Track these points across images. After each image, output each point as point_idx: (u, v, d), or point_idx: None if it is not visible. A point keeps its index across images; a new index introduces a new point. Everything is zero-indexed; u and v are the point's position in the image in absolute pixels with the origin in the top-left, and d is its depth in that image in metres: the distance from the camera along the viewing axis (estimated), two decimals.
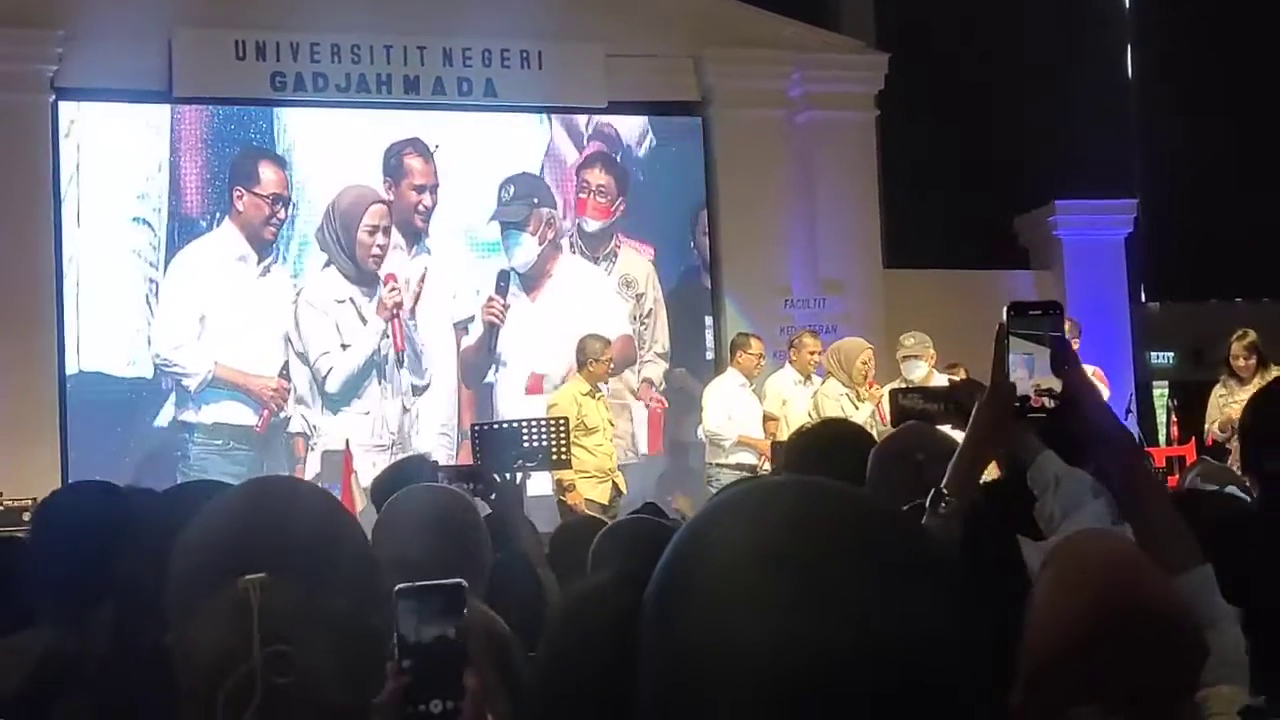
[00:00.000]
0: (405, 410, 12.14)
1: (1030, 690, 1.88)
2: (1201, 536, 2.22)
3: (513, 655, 3.14)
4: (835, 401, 10.23)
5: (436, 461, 7.14)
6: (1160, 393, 14.15)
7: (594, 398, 10.31)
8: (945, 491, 2.45)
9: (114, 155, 11.77)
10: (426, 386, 12.25)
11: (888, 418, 6.22)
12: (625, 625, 1.19)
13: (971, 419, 2.47)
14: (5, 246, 11.33)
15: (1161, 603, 1.91)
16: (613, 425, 10.68)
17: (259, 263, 11.96)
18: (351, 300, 12.12)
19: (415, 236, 12.34)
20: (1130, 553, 2.10)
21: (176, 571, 1.73)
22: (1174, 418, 12.22)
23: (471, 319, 12.44)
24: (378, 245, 12.17)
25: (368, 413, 12.04)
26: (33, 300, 11.39)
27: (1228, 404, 9.75)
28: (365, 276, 12.17)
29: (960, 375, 9.89)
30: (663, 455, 12.73)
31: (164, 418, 11.72)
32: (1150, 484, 2.44)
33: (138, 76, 11.84)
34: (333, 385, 12.01)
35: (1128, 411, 12.40)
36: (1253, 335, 9.96)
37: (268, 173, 12.06)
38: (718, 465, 10.48)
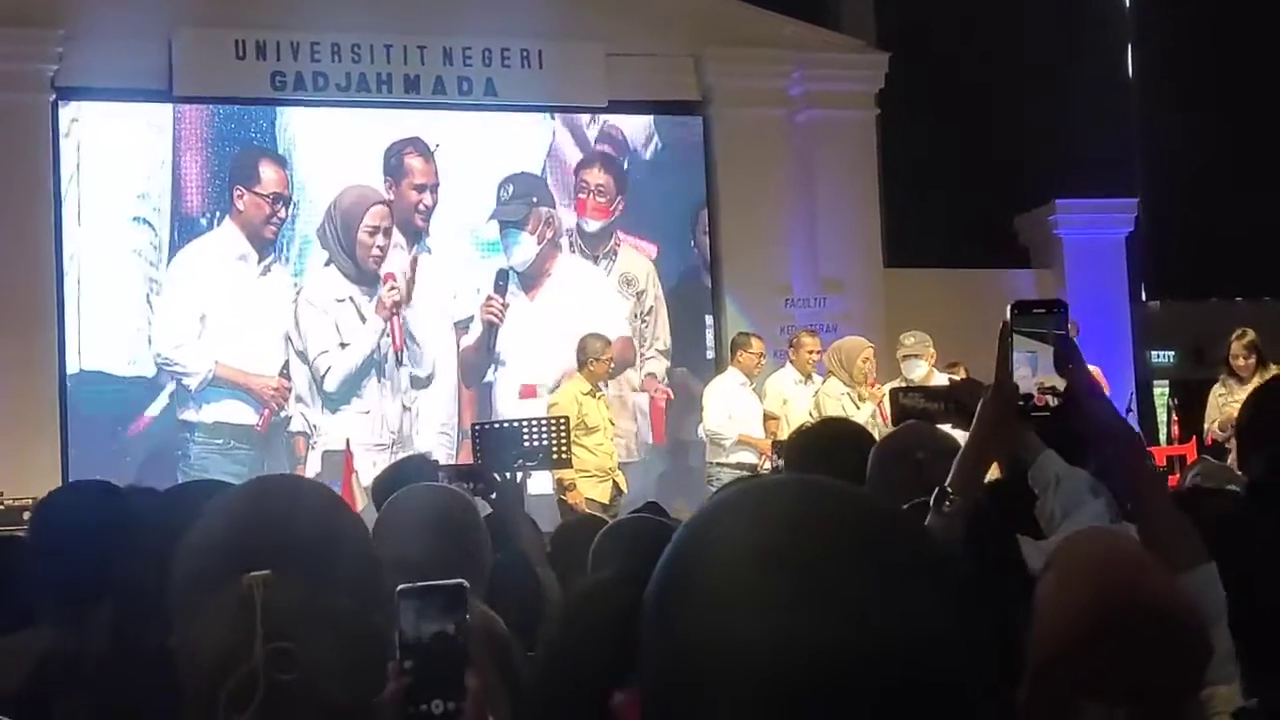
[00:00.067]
0: (406, 409, 12.14)
1: (1036, 687, 1.88)
2: (1202, 535, 2.22)
3: (512, 655, 3.14)
4: (837, 401, 10.23)
5: (437, 461, 7.14)
6: (1161, 392, 14.15)
7: (594, 397, 10.31)
8: (949, 490, 2.44)
9: (114, 155, 11.77)
10: (430, 377, 12.24)
11: (889, 418, 6.23)
12: (625, 624, 1.19)
13: (976, 417, 2.47)
14: (6, 246, 11.33)
15: (1166, 600, 1.91)
16: (613, 424, 10.68)
17: (259, 262, 11.97)
18: (351, 299, 12.12)
19: (415, 236, 12.34)
20: (1135, 551, 2.10)
21: (180, 570, 1.74)
22: (1174, 416, 12.22)
23: (471, 318, 12.44)
24: (378, 246, 12.18)
25: (368, 412, 12.04)
26: (33, 299, 11.39)
27: (1227, 403, 9.74)
28: (365, 276, 12.17)
29: (960, 374, 9.89)
30: (666, 451, 12.73)
31: (165, 417, 11.71)
32: (1154, 482, 2.44)
33: (138, 76, 11.84)
34: (331, 384, 12.01)
35: (1128, 410, 12.41)
36: (1252, 334, 9.96)
37: (268, 172, 12.06)
38: (718, 464, 10.48)
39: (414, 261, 12.29)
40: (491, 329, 12.45)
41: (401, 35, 12.20)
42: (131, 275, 11.74)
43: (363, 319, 12.12)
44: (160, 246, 11.84)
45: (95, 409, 11.59)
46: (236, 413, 11.83)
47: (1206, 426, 10.15)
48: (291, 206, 12.10)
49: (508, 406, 12.11)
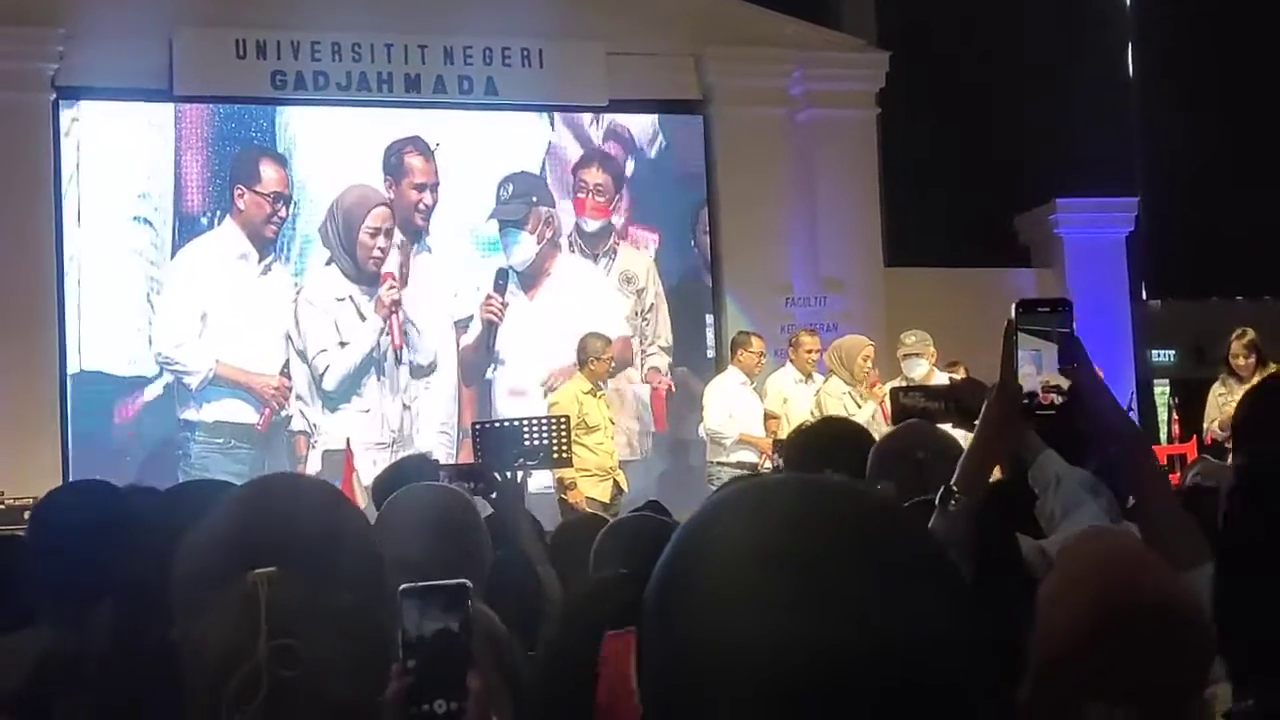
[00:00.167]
0: (406, 408, 12.14)
1: (1039, 686, 1.88)
2: (1204, 534, 2.22)
3: (510, 655, 3.13)
4: (838, 400, 10.23)
5: (437, 460, 7.14)
6: (1161, 391, 14.14)
7: (595, 396, 10.32)
8: (955, 489, 2.44)
9: (115, 154, 11.77)
10: (431, 365, 12.23)
11: (890, 417, 6.22)
12: (626, 623, 1.19)
13: (981, 417, 2.47)
14: (6, 245, 11.33)
15: (1170, 599, 1.91)
16: (614, 423, 10.68)
17: (260, 261, 11.97)
18: (351, 298, 12.12)
19: (415, 235, 12.34)
20: (1138, 550, 2.10)
21: (182, 568, 1.74)
22: (1175, 415, 12.22)
23: (470, 317, 12.44)
24: (379, 247, 12.18)
25: (368, 411, 12.04)
26: (34, 299, 11.40)
27: (1227, 402, 9.74)
28: (365, 275, 12.17)
29: (961, 373, 9.90)
30: (666, 450, 12.72)
31: (165, 416, 11.71)
32: (1159, 480, 2.44)
33: (138, 75, 11.84)
34: (330, 383, 12.01)
35: (1129, 409, 12.40)
36: (1252, 334, 9.96)
37: (269, 171, 12.06)
38: (718, 464, 10.48)
39: (414, 261, 12.29)
40: (491, 328, 12.45)
41: (402, 34, 12.20)
42: (132, 275, 11.74)
43: (362, 318, 12.13)
44: (161, 246, 11.84)
45: (96, 409, 11.59)
46: (237, 412, 11.84)
47: (1206, 426, 10.16)
48: (292, 206, 12.11)
49: (507, 405, 12.11)
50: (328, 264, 12.13)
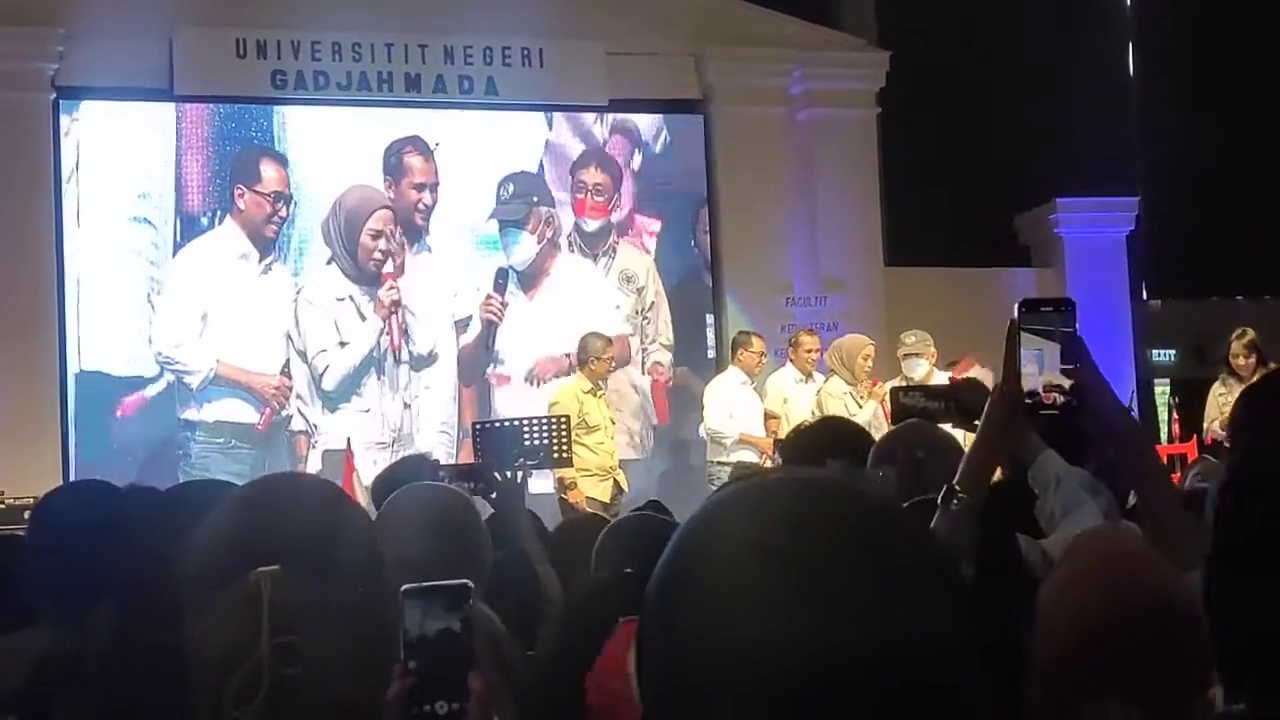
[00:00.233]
0: (406, 407, 12.14)
1: (1044, 684, 1.88)
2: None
3: (509, 656, 3.13)
4: (839, 400, 10.23)
5: (437, 460, 7.14)
6: (1161, 390, 14.14)
7: (595, 395, 10.32)
8: (958, 488, 2.44)
9: (115, 154, 11.77)
10: (431, 358, 12.23)
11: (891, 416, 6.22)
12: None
13: (984, 416, 2.47)
14: (7, 246, 11.34)
15: (1174, 599, 1.91)
16: (614, 423, 10.68)
17: (260, 261, 11.97)
18: (351, 298, 12.13)
19: (416, 234, 12.34)
20: (1142, 549, 2.10)
21: (186, 569, 1.74)
22: (1175, 415, 12.22)
23: (470, 317, 12.45)
24: (380, 250, 12.17)
25: (368, 411, 12.04)
26: (34, 299, 11.40)
27: (1226, 402, 9.73)
28: (365, 275, 12.18)
29: (964, 366, 9.90)
30: (667, 450, 12.72)
31: (165, 416, 11.71)
32: (1162, 480, 2.44)
33: (139, 75, 11.84)
34: (329, 383, 12.01)
35: (1129, 409, 12.39)
36: (1252, 334, 9.96)
37: (269, 171, 12.06)
38: (719, 464, 10.48)
39: (414, 260, 12.29)
40: (490, 327, 12.46)
41: (402, 34, 12.20)
42: (132, 275, 11.74)
43: (362, 318, 12.13)
44: (161, 246, 11.84)
45: (96, 409, 11.59)
46: (237, 412, 11.84)
47: (1206, 425, 10.16)
48: (292, 205, 12.11)
49: (506, 404, 12.13)
50: (328, 263, 12.13)
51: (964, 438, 3.65)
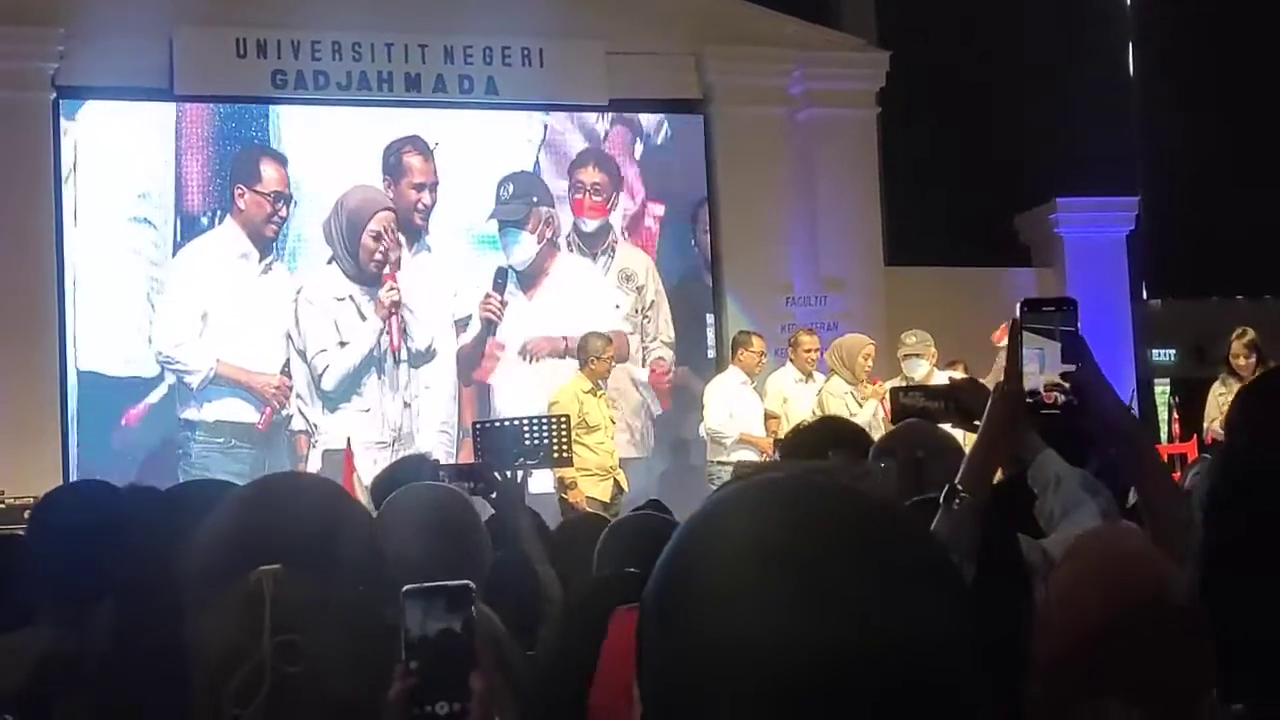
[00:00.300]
0: (406, 407, 12.15)
1: (1047, 684, 1.88)
2: None
3: (509, 656, 3.13)
4: (840, 399, 10.23)
5: (437, 460, 7.13)
6: (1162, 390, 14.14)
7: (595, 395, 10.32)
8: (959, 487, 2.44)
9: (116, 153, 11.78)
10: (430, 359, 12.24)
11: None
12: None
13: (985, 415, 2.47)
14: (7, 245, 11.34)
15: (1176, 599, 1.90)
16: (614, 423, 10.69)
17: (260, 260, 11.98)
18: (351, 298, 12.13)
19: (415, 234, 12.34)
20: (1144, 549, 2.10)
21: (186, 568, 1.74)
22: (1175, 415, 12.22)
23: (470, 316, 12.45)
24: (380, 251, 12.17)
25: (368, 410, 12.05)
26: (35, 299, 11.40)
27: (1226, 402, 9.71)
28: (365, 275, 12.18)
29: (961, 372, 9.89)
30: (667, 450, 12.72)
31: (166, 416, 11.71)
32: (1163, 479, 2.44)
33: (139, 74, 11.85)
34: (328, 383, 12.02)
35: (1129, 408, 12.38)
36: (1252, 334, 9.95)
37: (269, 170, 12.07)
38: (719, 463, 10.47)
39: (414, 260, 12.29)
40: (490, 327, 12.46)
41: (402, 34, 12.20)
42: (133, 274, 11.74)
43: (363, 318, 12.13)
44: (162, 245, 11.84)
45: (96, 408, 11.59)
46: (237, 411, 11.84)
47: (1206, 425, 10.15)
48: (292, 205, 12.11)
49: (505, 404, 12.13)
50: (329, 263, 12.13)
51: (964, 438, 3.65)
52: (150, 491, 2.97)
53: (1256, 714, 1.44)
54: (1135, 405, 13.06)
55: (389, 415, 12.09)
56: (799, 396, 10.68)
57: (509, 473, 4.78)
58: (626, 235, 12.93)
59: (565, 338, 12.20)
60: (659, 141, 13.11)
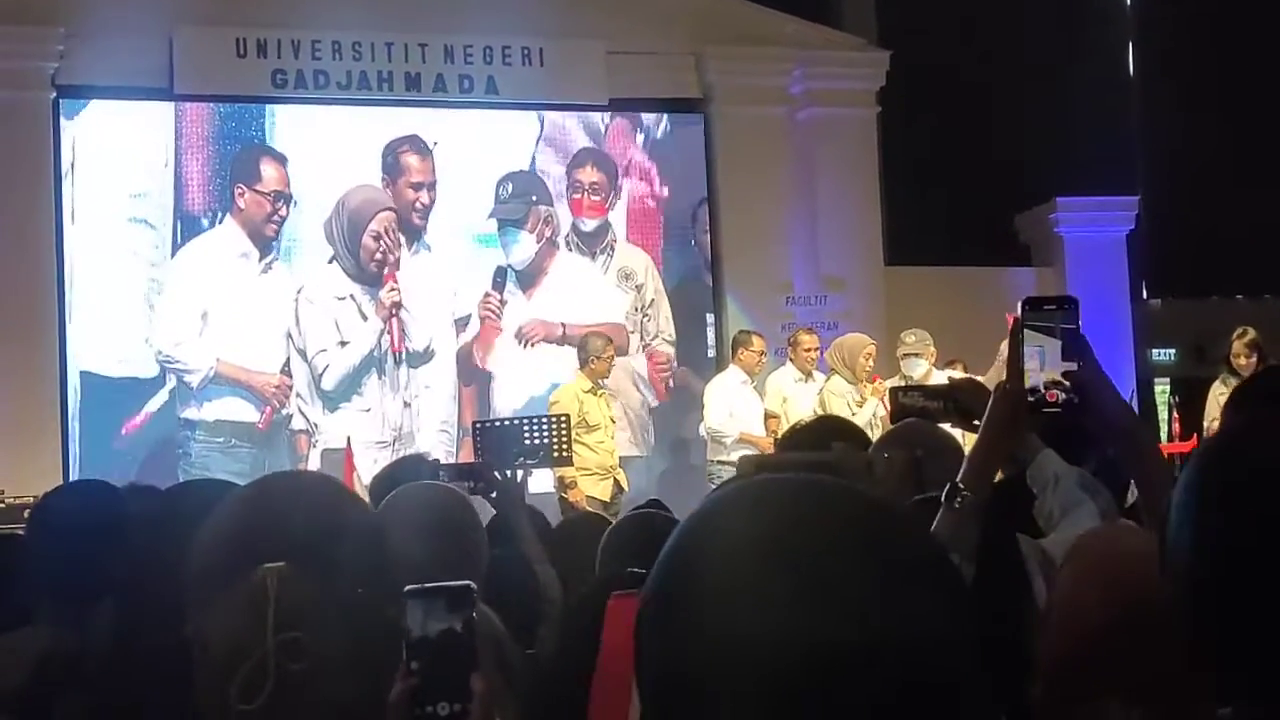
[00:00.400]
0: (406, 406, 12.15)
1: (1050, 684, 1.88)
2: None
3: (509, 656, 3.13)
4: (842, 399, 10.22)
5: (437, 460, 7.14)
6: (1162, 389, 14.14)
7: (595, 395, 10.32)
8: (961, 485, 2.44)
9: (116, 153, 11.78)
10: (429, 358, 12.24)
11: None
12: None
13: (987, 413, 2.47)
14: (7, 245, 11.34)
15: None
16: (614, 422, 10.69)
17: (260, 260, 11.98)
18: (352, 297, 12.13)
19: (415, 234, 12.34)
20: (1145, 549, 2.10)
21: (190, 568, 1.74)
22: (1175, 414, 12.22)
23: (470, 316, 12.45)
24: (381, 251, 12.17)
25: (369, 410, 12.05)
26: (35, 299, 11.40)
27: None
28: (367, 275, 12.18)
29: (960, 371, 9.89)
30: (667, 449, 12.72)
31: (165, 415, 11.71)
32: (1164, 477, 2.43)
33: (139, 74, 11.85)
34: (329, 383, 12.01)
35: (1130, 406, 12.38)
36: (1253, 333, 9.95)
37: (269, 170, 12.07)
38: (719, 463, 10.47)
39: (413, 260, 12.29)
40: (489, 327, 12.47)
41: (402, 33, 12.20)
42: (133, 274, 11.74)
43: (364, 318, 12.13)
44: (161, 245, 11.85)
45: (96, 408, 11.59)
46: (238, 410, 11.84)
47: (1207, 424, 10.14)
48: (292, 205, 12.11)
49: (505, 403, 12.14)
50: (330, 262, 12.13)
51: (963, 437, 3.65)
52: (150, 491, 2.97)
53: (1245, 715, 1.44)
54: (1135, 405, 13.06)
55: (389, 415, 12.09)
56: (799, 396, 10.68)
57: (509, 472, 4.78)
58: (626, 235, 12.92)
59: (563, 324, 12.25)
60: (659, 141, 13.11)
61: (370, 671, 1.61)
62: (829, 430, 4.14)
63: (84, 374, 11.60)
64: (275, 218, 12.03)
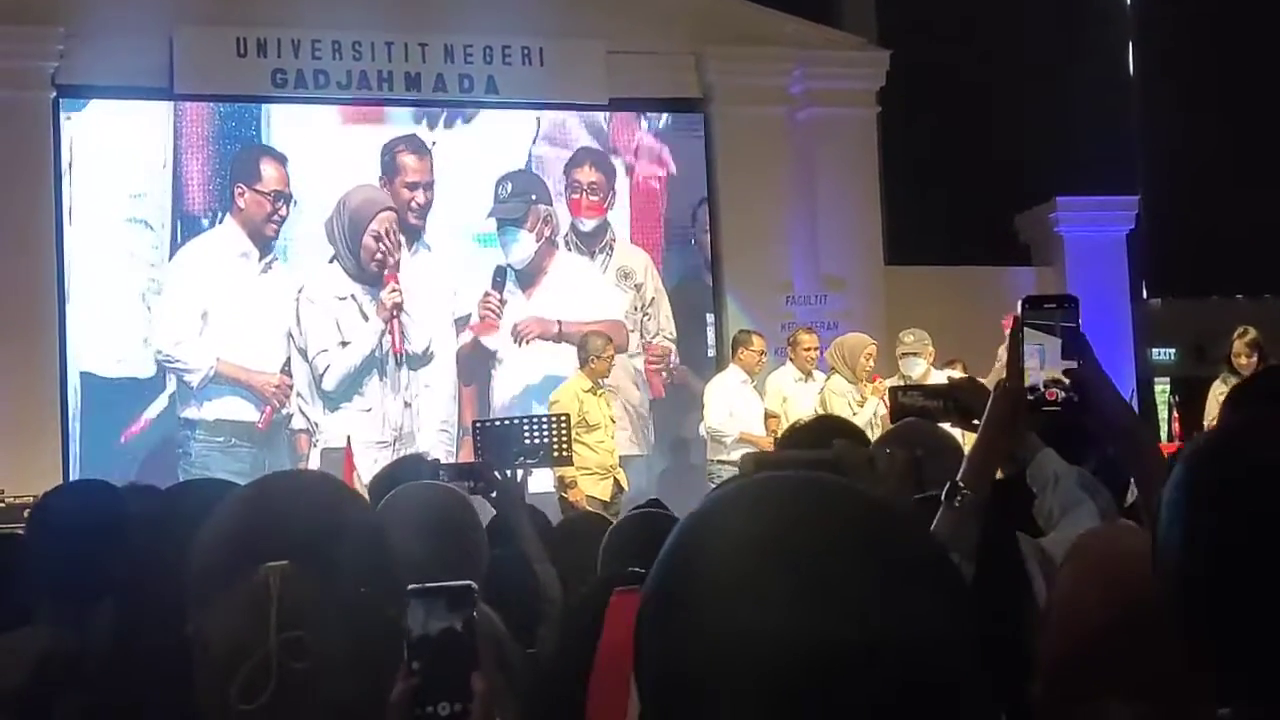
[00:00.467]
0: (407, 406, 12.15)
1: (1051, 683, 1.88)
2: None
3: (509, 656, 3.13)
4: (842, 398, 10.22)
5: (437, 460, 7.14)
6: (1162, 389, 14.14)
7: (595, 394, 10.32)
8: (961, 484, 2.44)
9: (116, 152, 11.78)
10: (429, 359, 12.24)
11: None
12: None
13: (987, 412, 2.47)
14: (7, 245, 11.33)
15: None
16: (614, 422, 10.69)
17: (260, 259, 11.98)
18: (353, 297, 12.13)
19: (412, 233, 12.34)
20: (1145, 548, 2.09)
21: (191, 567, 1.74)
22: (1175, 414, 12.22)
23: (470, 315, 12.45)
24: (381, 251, 12.17)
25: (369, 410, 12.05)
26: (35, 298, 11.40)
27: None
28: (367, 275, 12.18)
29: (960, 371, 9.89)
30: (667, 449, 12.72)
31: (165, 415, 11.71)
32: (1164, 476, 2.43)
33: (139, 73, 11.85)
34: (329, 383, 12.01)
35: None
36: (1254, 333, 9.95)
37: (269, 170, 12.07)
38: (719, 462, 10.47)
39: (413, 260, 12.28)
40: (489, 326, 12.47)
41: (402, 33, 12.20)
42: (133, 273, 11.74)
43: (365, 318, 12.13)
44: (161, 245, 11.85)
45: (96, 408, 11.59)
46: (238, 410, 11.84)
47: (1207, 424, 10.14)
48: (292, 204, 12.11)
49: (504, 402, 12.14)
50: (330, 262, 12.13)
51: (963, 437, 3.65)
52: (150, 491, 2.97)
53: (1244, 715, 1.44)
54: (1135, 404, 13.06)
55: (389, 415, 12.09)
56: (799, 396, 10.68)
57: (509, 472, 4.78)
58: (628, 234, 12.92)
59: (559, 321, 12.26)
60: (659, 141, 13.11)
61: (371, 671, 1.61)
62: (829, 429, 4.14)
63: (84, 374, 11.59)
64: (275, 217, 12.03)
